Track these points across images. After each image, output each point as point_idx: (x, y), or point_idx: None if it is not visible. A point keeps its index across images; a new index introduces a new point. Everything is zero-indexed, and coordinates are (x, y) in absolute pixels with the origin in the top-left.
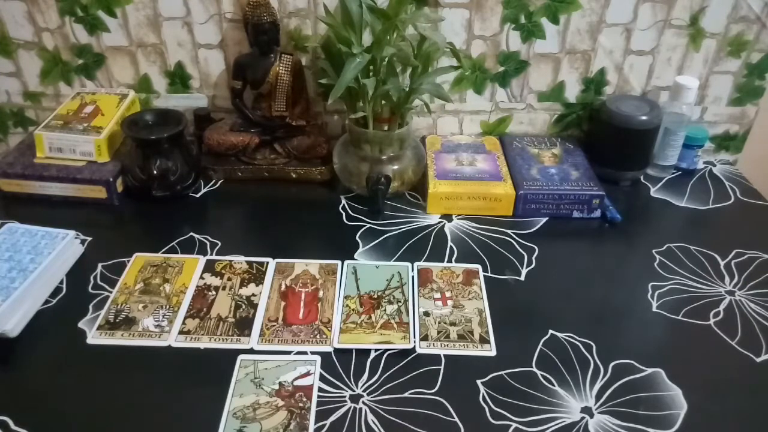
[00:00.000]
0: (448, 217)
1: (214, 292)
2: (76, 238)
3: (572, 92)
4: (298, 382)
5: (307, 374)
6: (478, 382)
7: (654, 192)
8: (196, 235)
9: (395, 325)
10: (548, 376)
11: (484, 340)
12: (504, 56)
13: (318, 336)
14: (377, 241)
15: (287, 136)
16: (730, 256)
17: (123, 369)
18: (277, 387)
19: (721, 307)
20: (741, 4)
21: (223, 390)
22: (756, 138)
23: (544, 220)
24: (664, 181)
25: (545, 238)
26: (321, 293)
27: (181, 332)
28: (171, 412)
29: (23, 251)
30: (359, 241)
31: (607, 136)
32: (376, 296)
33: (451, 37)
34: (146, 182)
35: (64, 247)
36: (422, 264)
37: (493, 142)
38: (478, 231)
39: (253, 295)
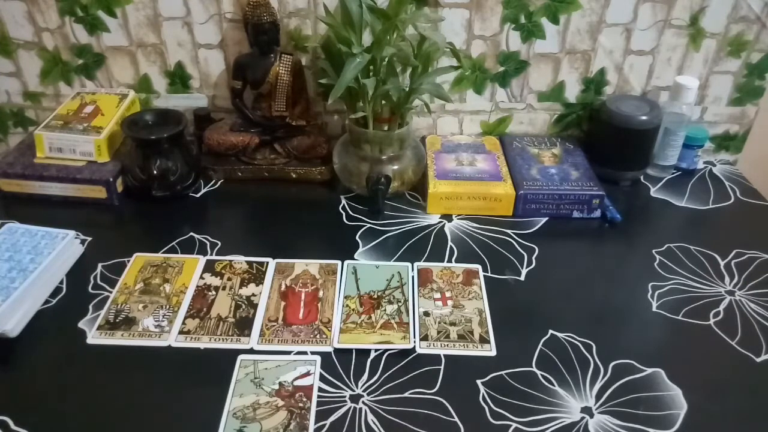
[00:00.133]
0: (448, 217)
1: (214, 292)
2: (76, 238)
3: (572, 92)
4: (298, 382)
5: (307, 374)
6: (478, 382)
7: (654, 192)
8: (196, 235)
9: (395, 325)
10: (548, 376)
11: (484, 340)
12: (504, 56)
13: (318, 336)
14: (377, 241)
15: (287, 136)
16: (730, 256)
17: (123, 369)
18: (277, 387)
19: (721, 307)
20: (741, 4)
21: (223, 390)
22: (756, 138)
23: (544, 220)
24: (664, 181)
25: (545, 238)
26: (321, 293)
27: (181, 332)
28: (171, 412)
29: (23, 251)
30: (359, 241)
31: (607, 136)
32: (376, 296)
33: (451, 37)
34: (146, 182)
35: (64, 247)
36: (422, 264)
37: (493, 142)
38: (478, 231)
39: (253, 295)
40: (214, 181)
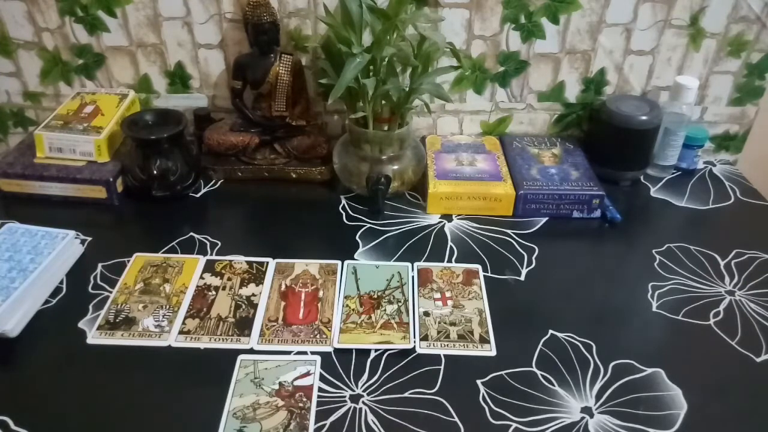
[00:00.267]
0: (448, 217)
1: (214, 292)
2: (76, 238)
3: (572, 92)
4: (298, 382)
5: (307, 374)
6: (478, 382)
7: (654, 192)
8: (196, 235)
9: (395, 325)
10: (548, 376)
11: (484, 340)
12: (504, 56)
13: (318, 336)
14: (377, 241)
15: (287, 136)
16: (730, 256)
17: (123, 369)
18: (277, 387)
19: (721, 307)
20: (741, 4)
21: (223, 390)
22: (756, 138)
23: (544, 220)
24: (664, 181)
25: (545, 238)
26: (321, 293)
27: (181, 332)
28: (171, 412)
29: (23, 251)
30: (359, 241)
31: (607, 136)
32: (376, 296)
33: (451, 37)
34: (146, 182)
35: (64, 247)
36: (422, 264)
37: (493, 142)
38: (478, 231)
39: (253, 295)
40: (214, 181)
